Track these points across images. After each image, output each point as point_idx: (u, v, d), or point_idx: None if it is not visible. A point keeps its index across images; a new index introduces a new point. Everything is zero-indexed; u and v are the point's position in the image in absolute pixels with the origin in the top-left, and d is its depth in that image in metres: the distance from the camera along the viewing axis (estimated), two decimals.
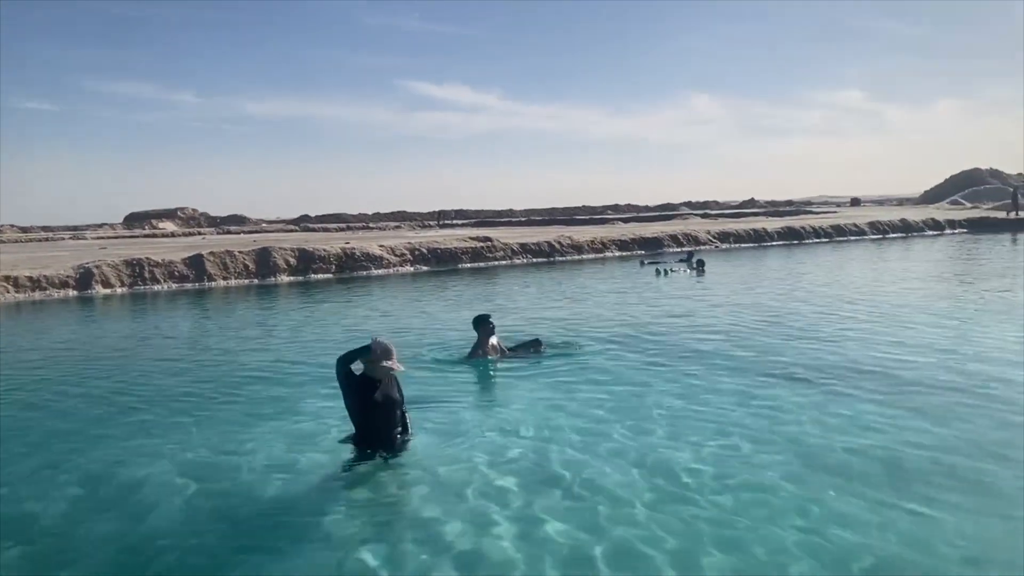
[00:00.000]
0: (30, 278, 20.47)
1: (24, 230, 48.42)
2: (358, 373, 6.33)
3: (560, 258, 29.39)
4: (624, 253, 31.42)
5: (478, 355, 9.86)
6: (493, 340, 9.94)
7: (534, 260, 28.69)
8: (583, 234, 33.45)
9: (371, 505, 5.56)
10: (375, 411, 6.28)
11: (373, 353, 6.21)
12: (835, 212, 57.22)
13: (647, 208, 69.83)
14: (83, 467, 6.40)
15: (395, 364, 6.30)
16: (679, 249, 31.79)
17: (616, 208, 69.73)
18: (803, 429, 6.84)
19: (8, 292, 19.84)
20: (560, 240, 30.85)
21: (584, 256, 30.26)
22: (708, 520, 4.99)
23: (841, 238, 38.52)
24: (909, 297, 15.75)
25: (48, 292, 20.36)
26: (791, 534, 4.75)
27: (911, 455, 6.07)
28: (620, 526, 4.94)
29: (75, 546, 4.95)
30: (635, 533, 4.84)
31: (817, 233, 38.66)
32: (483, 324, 9.96)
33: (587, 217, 58.39)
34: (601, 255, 30.80)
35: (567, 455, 6.31)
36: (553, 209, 69.66)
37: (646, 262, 25.72)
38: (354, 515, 5.35)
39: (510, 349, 10.23)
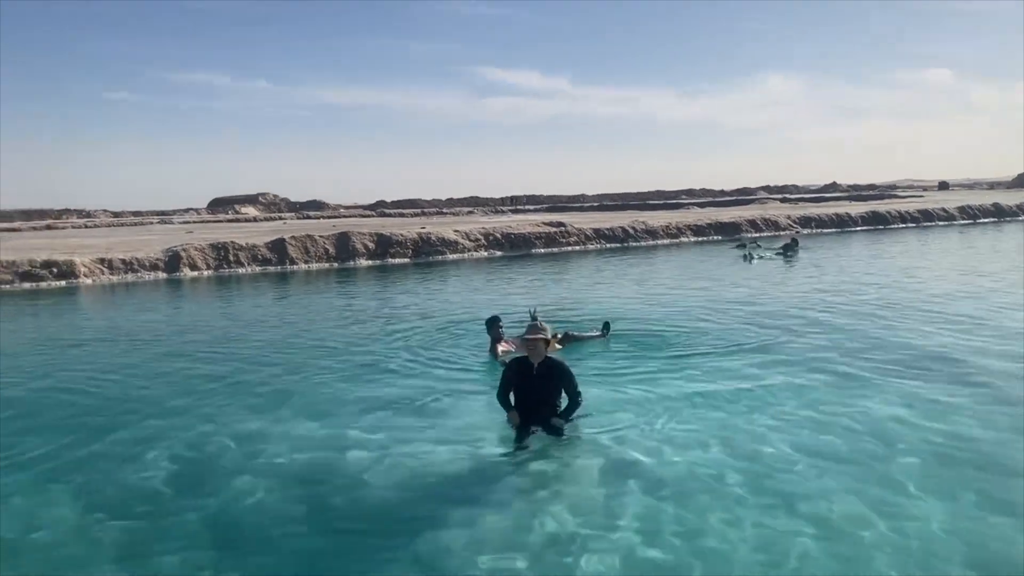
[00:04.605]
0: (123, 261, 21.41)
1: (116, 215, 50.64)
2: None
3: (634, 243, 29.08)
4: (700, 239, 30.85)
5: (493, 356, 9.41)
6: (502, 345, 9.44)
7: (607, 245, 28.46)
8: (657, 219, 32.99)
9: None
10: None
11: None
12: (922, 196, 54.96)
13: (723, 193, 68.44)
14: (185, 441, 6.66)
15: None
16: (759, 235, 31.17)
17: (691, 193, 68.47)
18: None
19: (104, 274, 20.80)
20: (634, 225, 30.50)
21: (658, 241, 29.86)
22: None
23: (928, 223, 36.97)
24: None
25: (140, 274, 21.25)
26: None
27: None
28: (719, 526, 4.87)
29: (171, 521, 5.16)
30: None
31: (903, 218, 37.20)
32: (492, 326, 9.65)
33: (660, 202, 57.47)
34: (676, 240, 30.33)
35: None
36: (626, 194, 68.78)
37: (755, 244, 26.09)
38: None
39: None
